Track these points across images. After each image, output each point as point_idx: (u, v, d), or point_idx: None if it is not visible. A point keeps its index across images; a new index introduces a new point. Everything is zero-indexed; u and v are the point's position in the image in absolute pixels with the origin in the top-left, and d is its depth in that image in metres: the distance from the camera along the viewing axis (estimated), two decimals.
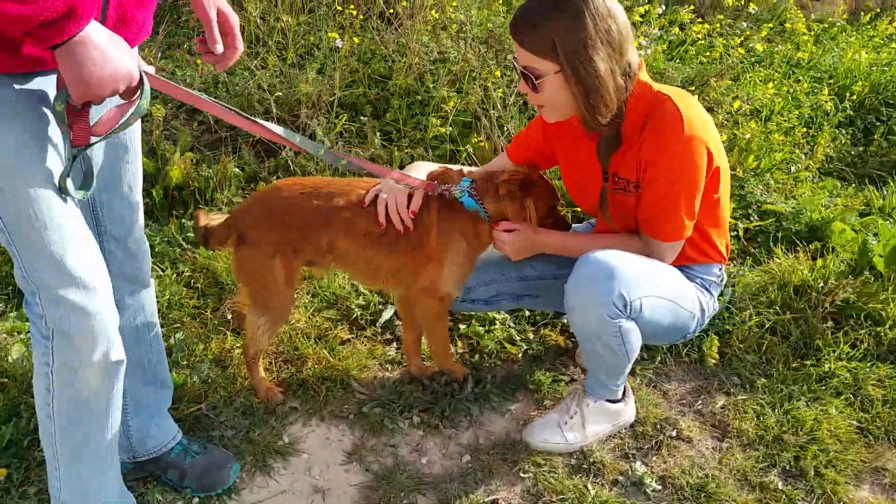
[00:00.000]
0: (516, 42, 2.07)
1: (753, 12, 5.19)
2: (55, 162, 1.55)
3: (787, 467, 2.36)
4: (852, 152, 4.23)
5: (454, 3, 4.15)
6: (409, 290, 2.44)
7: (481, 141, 3.53)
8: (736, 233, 3.35)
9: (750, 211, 3.48)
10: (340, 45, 3.81)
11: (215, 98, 3.66)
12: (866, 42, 5.20)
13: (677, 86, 3.43)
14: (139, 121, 1.83)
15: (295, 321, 2.76)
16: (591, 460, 2.34)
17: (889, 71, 4.70)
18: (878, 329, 2.85)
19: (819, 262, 3.07)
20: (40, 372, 1.67)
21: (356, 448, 2.35)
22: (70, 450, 1.75)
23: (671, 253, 2.26)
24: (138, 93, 1.53)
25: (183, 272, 2.94)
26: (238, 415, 2.41)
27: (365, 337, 2.79)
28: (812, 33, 5.06)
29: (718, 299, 2.52)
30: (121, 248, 1.91)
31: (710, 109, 3.94)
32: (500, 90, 3.67)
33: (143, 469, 2.16)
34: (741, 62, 4.52)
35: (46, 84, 1.55)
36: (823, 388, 2.64)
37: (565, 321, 2.88)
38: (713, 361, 2.77)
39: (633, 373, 2.70)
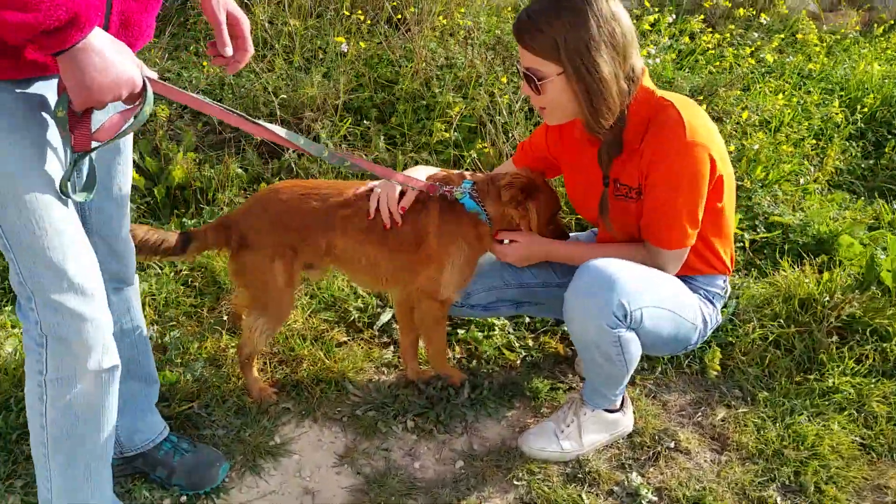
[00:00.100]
0: (519, 43, 2.06)
1: (765, 23, 5.16)
2: (55, 167, 1.54)
3: (787, 482, 2.31)
4: (862, 165, 4.18)
5: (462, 10, 4.14)
6: (409, 292, 2.41)
7: (486, 147, 3.51)
8: (742, 244, 3.31)
9: (757, 222, 3.44)
10: (346, 50, 3.81)
11: (220, 100, 3.68)
12: (879, 54, 5.15)
13: (685, 95, 3.40)
14: None
15: (292, 322, 2.74)
16: (587, 470, 2.30)
17: None
18: (885, 345, 2.80)
19: (826, 275, 3.02)
20: (33, 381, 1.66)
21: (348, 451, 2.32)
22: (64, 457, 1.73)
23: (675, 262, 2.22)
24: (141, 99, 1.51)
25: (181, 270, 2.93)
26: (230, 414, 2.39)
27: (362, 339, 2.77)
28: (824, 44, 5.02)
29: (722, 311, 2.48)
30: (107, 247, 1.90)
31: (718, 119, 3.91)
32: (507, 96, 3.66)
33: (132, 465, 2.14)
34: (751, 72, 4.48)
35: (47, 89, 1.54)
36: (826, 403, 2.60)
37: (565, 329, 2.85)
38: (715, 373, 2.73)
39: (632, 382, 2.66)
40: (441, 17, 4.04)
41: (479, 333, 2.79)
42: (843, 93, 4.57)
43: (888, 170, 4.20)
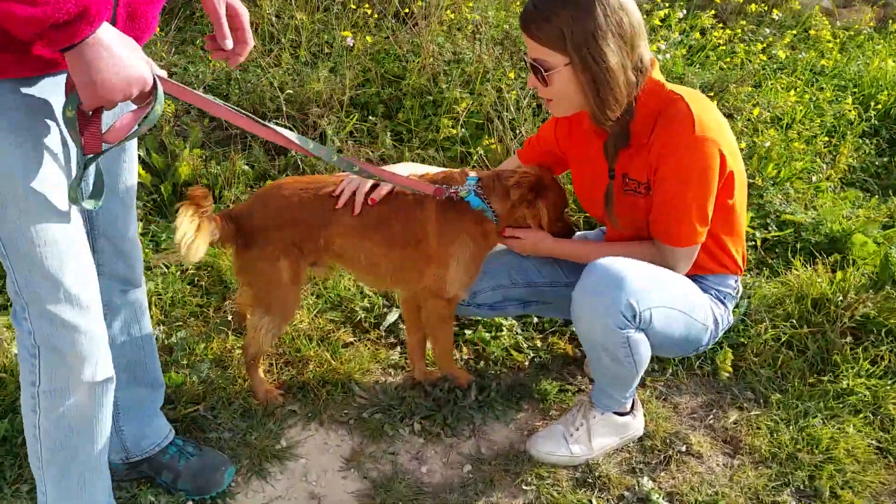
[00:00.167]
0: (526, 34, 2.03)
1: (777, 18, 5.09)
2: (57, 170, 1.49)
3: (801, 487, 2.27)
4: (876, 163, 4.13)
5: (470, 4, 4.09)
6: (415, 290, 2.38)
7: (493, 143, 3.47)
8: (753, 243, 3.26)
9: (768, 221, 3.39)
10: (352, 44, 3.77)
11: (227, 95, 3.64)
12: (894, 51, 5.07)
13: None
14: None
15: (298, 322, 2.71)
16: (597, 474, 2.27)
17: None
18: None
19: (839, 274, 2.97)
20: (26, 392, 1.64)
21: (355, 454, 2.29)
22: (57, 469, 1.71)
23: (685, 260, 2.18)
24: (151, 97, 1.46)
25: (187, 269, 2.90)
26: (236, 417, 2.36)
27: (368, 340, 2.74)
28: (837, 41, 4.95)
29: (733, 311, 2.44)
30: (113, 249, 1.87)
31: (728, 116, 3.85)
32: (514, 92, 3.61)
33: (137, 470, 2.12)
34: (762, 69, 4.42)
35: (53, 87, 1.49)
36: (841, 405, 2.56)
37: (574, 329, 2.81)
38: (726, 375, 2.69)
39: (642, 384, 2.62)
40: (449, 12, 3.99)
41: (487, 334, 2.76)
42: (856, 89, 4.51)
43: None
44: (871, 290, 2.91)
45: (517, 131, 3.54)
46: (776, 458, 2.36)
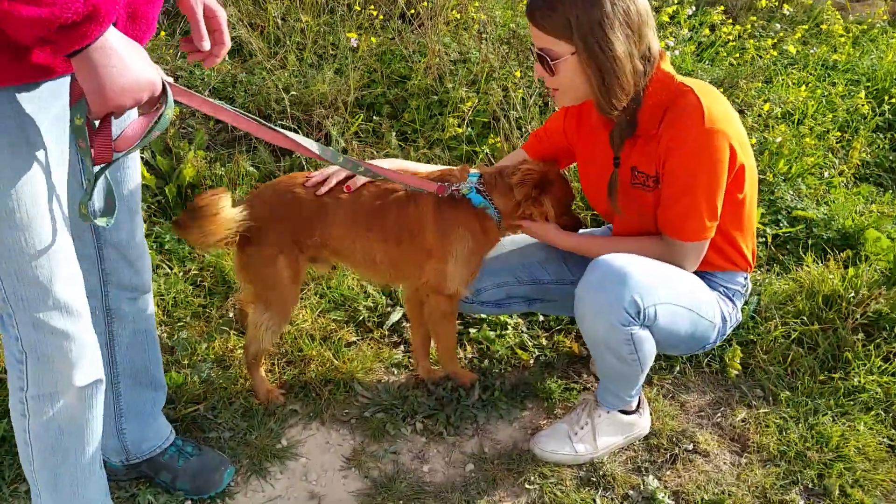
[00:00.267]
0: (532, 23, 2.02)
1: (788, 14, 5.02)
2: (50, 182, 1.45)
3: (811, 485, 2.23)
4: (891, 157, 4.05)
5: (476, 3, 4.08)
6: (416, 285, 2.37)
7: (499, 142, 3.44)
8: (764, 239, 3.21)
9: (779, 217, 3.34)
10: (356, 45, 3.76)
11: (232, 98, 3.65)
12: None
13: None
14: None
15: (300, 321, 2.70)
16: (601, 473, 2.24)
17: None
18: None
19: (851, 270, 2.92)
20: (14, 397, 1.63)
21: (356, 454, 2.27)
22: (49, 472, 1.70)
23: (694, 256, 2.14)
24: (161, 103, 1.41)
25: (190, 270, 2.90)
26: (237, 416, 2.35)
27: (371, 339, 2.72)
28: (850, 35, 4.87)
29: (742, 308, 2.40)
30: (120, 256, 1.85)
31: (739, 112, 3.80)
32: (521, 91, 3.59)
33: (136, 470, 2.11)
34: (773, 64, 4.36)
35: (54, 93, 1.43)
36: (852, 402, 2.50)
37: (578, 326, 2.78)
38: (735, 372, 2.64)
39: (649, 382, 2.58)
40: (455, 12, 3.98)
41: (492, 332, 2.73)
42: (869, 84, 4.44)
43: None
44: (883, 287, 2.85)
45: (523, 129, 3.52)
46: (785, 456, 2.32)
